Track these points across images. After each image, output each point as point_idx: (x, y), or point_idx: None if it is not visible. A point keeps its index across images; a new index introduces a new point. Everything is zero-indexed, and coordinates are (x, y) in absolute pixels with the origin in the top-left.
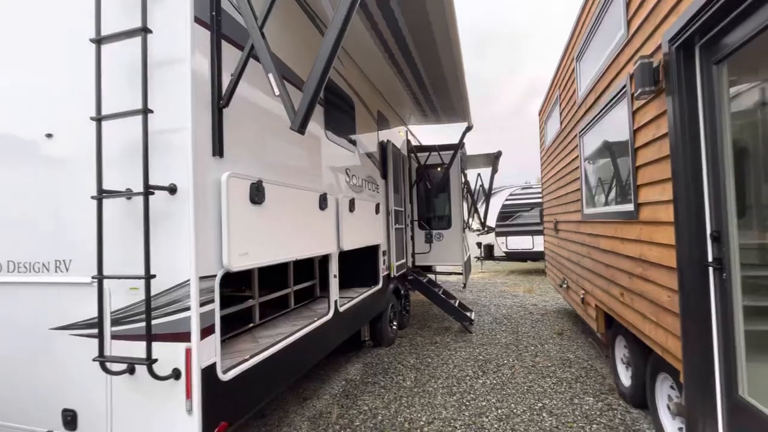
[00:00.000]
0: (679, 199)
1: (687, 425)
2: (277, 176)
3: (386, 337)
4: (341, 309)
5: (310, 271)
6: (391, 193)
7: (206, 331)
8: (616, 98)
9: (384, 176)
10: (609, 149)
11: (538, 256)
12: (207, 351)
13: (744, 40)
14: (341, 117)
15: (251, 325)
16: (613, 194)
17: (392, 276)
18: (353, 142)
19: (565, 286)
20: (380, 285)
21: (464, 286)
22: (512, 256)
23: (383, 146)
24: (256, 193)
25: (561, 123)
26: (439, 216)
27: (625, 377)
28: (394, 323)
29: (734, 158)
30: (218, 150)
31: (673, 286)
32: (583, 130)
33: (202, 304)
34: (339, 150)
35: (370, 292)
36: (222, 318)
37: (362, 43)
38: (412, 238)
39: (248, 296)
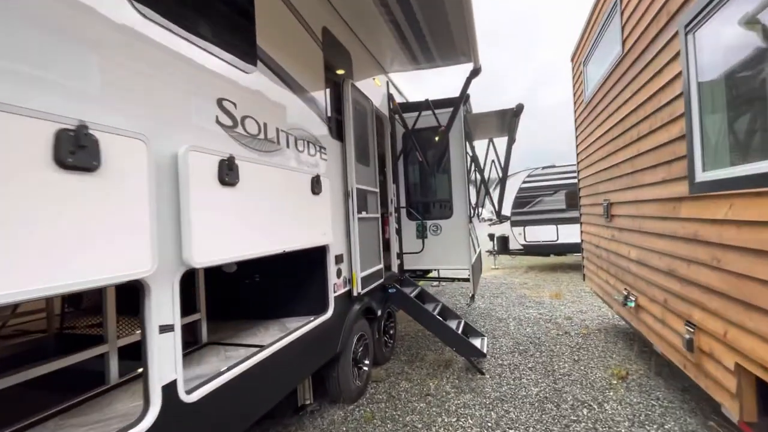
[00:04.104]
0: None
1: None
2: None
3: (347, 391)
4: (191, 398)
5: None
6: (352, 164)
7: None
8: None
9: (340, 137)
10: None
11: (564, 249)
12: None
13: None
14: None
15: None
16: None
17: (357, 294)
18: (248, 57)
19: (632, 305)
20: (330, 312)
21: (472, 298)
22: (531, 249)
23: (337, 86)
24: None
25: (624, 38)
26: (435, 201)
27: None
28: (365, 362)
29: None
30: None
31: None
32: (695, 19)
33: None
34: (190, 51)
35: (306, 328)
36: None
37: None
38: (399, 231)
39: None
